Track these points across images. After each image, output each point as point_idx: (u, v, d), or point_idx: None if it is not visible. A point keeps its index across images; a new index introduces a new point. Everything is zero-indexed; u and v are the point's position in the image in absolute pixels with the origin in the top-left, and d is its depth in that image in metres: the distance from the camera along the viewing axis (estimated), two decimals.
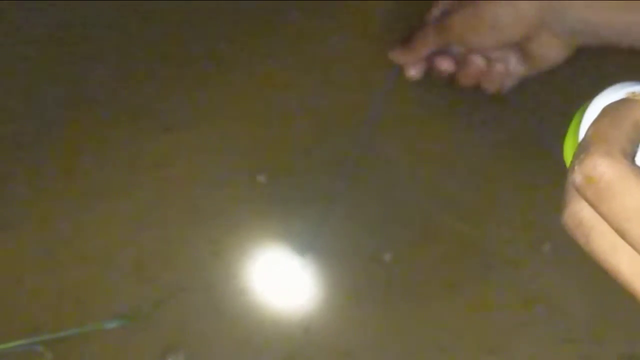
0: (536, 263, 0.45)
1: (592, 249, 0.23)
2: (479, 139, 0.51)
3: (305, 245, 0.47)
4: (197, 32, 0.54)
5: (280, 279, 0.47)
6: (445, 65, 0.51)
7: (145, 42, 0.54)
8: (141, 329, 0.45)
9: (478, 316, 0.45)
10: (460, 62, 0.51)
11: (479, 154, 0.50)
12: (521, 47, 0.51)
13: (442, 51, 0.51)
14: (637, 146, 0.22)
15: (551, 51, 0.50)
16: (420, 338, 0.45)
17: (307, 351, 0.44)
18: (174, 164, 0.50)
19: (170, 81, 0.52)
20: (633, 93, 0.24)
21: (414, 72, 0.53)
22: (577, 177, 0.22)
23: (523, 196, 0.48)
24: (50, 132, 0.51)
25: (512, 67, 0.51)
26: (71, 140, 0.51)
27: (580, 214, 0.23)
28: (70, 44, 0.54)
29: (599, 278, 0.44)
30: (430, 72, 0.51)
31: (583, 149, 0.22)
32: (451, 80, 0.51)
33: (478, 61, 0.51)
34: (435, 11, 0.51)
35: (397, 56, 0.52)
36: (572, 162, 0.22)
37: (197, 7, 0.55)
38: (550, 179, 0.40)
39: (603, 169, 0.21)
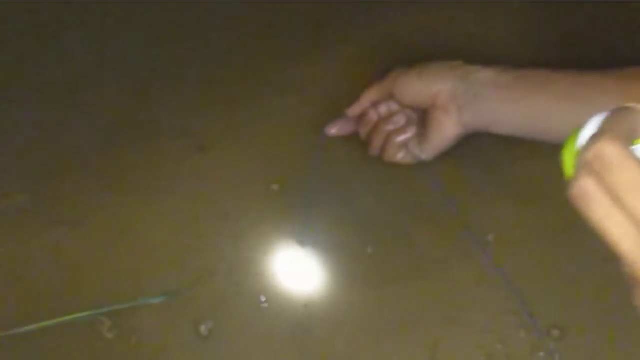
0: (484, 251, 0.56)
1: (591, 215, 0.29)
2: None
3: (306, 239, 0.58)
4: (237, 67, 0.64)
5: (287, 265, 0.57)
6: (362, 130, 0.58)
7: (200, 72, 0.64)
8: (179, 304, 0.56)
9: (442, 294, 0.55)
10: (374, 123, 0.57)
11: None
12: (426, 115, 0.55)
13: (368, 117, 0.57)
14: (633, 139, 0.30)
15: (449, 124, 0.54)
16: (396, 311, 0.55)
17: (306, 321, 0.55)
18: (206, 175, 0.60)
19: (205, 107, 0.63)
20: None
21: (333, 130, 0.59)
22: (588, 154, 0.28)
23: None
24: (111, 146, 0.61)
25: (409, 141, 0.57)
26: (127, 154, 0.61)
27: (585, 187, 0.28)
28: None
29: (535, 263, 0.56)
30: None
31: (596, 135, 0.29)
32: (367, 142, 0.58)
33: (388, 126, 0.56)
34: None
35: (349, 110, 0.58)
36: (586, 144, 0.29)
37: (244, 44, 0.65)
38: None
39: (610, 149, 0.27)
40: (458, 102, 0.53)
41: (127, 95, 0.63)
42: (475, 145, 0.57)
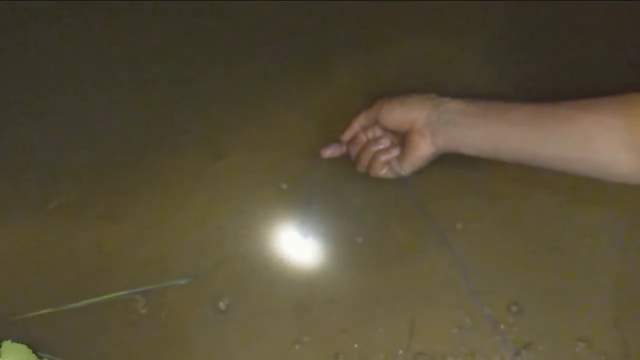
0: (452, 239, 0.64)
1: None
2: None
3: (306, 231, 0.67)
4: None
5: (291, 252, 0.65)
6: (352, 150, 0.66)
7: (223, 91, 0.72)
8: (201, 284, 0.64)
9: (419, 277, 0.63)
10: (363, 144, 0.64)
11: None
12: (406, 138, 0.62)
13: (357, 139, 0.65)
14: None
15: (424, 145, 0.61)
16: (381, 291, 0.63)
17: (306, 299, 0.63)
18: (223, 178, 0.68)
19: (222, 121, 0.71)
20: None
21: (327, 152, 0.67)
22: None
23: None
24: (145, 154, 0.69)
25: (392, 159, 0.63)
26: (158, 160, 0.69)
27: None
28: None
29: (497, 249, 0.64)
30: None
31: None
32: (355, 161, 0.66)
33: (375, 147, 0.63)
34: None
35: (343, 136, 0.67)
36: None
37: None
38: None
39: None
40: (432, 127, 0.61)
41: (158, 112, 0.72)
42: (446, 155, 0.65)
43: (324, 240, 0.67)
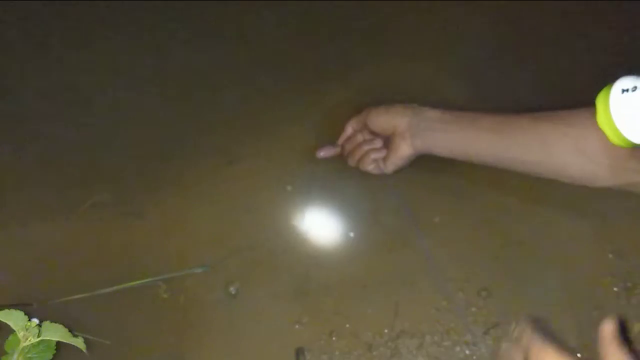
0: (430, 230, 0.71)
1: None
2: None
3: (309, 226, 0.74)
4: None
5: (293, 245, 0.73)
6: (347, 147, 0.73)
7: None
8: (215, 272, 0.71)
9: (402, 264, 0.70)
10: (357, 142, 0.71)
11: None
12: (390, 140, 0.69)
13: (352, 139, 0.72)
14: None
15: (404, 146, 0.68)
16: (369, 278, 0.70)
17: (307, 283, 0.70)
18: (234, 181, 0.76)
19: (233, 132, 0.79)
20: None
21: (322, 153, 0.74)
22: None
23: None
24: (167, 160, 0.77)
25: (380, 158, 0.71)
26: (178, 166, 0.77)
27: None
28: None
29: (469, 240, 0.72)
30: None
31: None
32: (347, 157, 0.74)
33: (368, 145, 0.71)
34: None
35: (339, 140, 0.74)
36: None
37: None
38: None
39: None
40: (411, 131, 0.69)
41: (179, 123, 0.81)
42: (424, 157, 0.73)
43: (321, 235, 0.74)
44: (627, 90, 0.57)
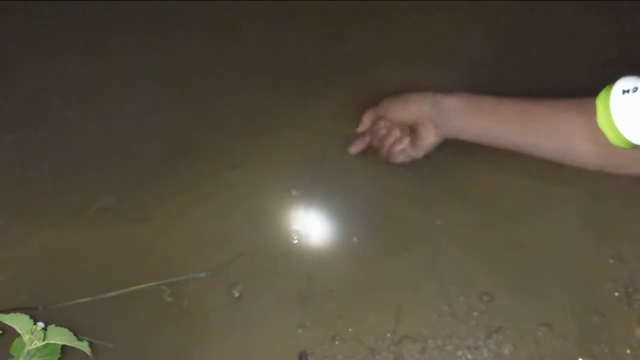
0: (431, 235, 0.72)
1: None
2: None
3: (312, 230, 0.74)
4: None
5: (296, 249, 0.72)
6: (373, 141, 0.75)
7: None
8: (218, 276, 0.71)
9: (405, 269, 0.70)
10: (380, 137, 0.73)
11: None
12: (413, 129, 0.71)
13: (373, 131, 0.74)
14: None
15: (430, 135, 0.71)
16: (372, 282, 0.70)
17: (310, 287, 0.70)
18: (237, 185, 0.76)
19: (237, 136, 0.80)
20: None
21: (353, 149, 0.76)
22: None
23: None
24: (170, 164, 0.77)
25: (406, 147, 0.73)
26: (182, 170, 0.77)
27: None
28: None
29: (472, 243, 0.72)
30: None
31: None
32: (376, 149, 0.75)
33: (390, 139, 0.73)
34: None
35: (358, 129, 0.76)
36: None
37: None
38: None
39: None
40: (434, 121, 0.71)
41: (183, 128, 0.81)
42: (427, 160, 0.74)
43: (324, 239, 0.74)
44: (628, 91, 0.58)
